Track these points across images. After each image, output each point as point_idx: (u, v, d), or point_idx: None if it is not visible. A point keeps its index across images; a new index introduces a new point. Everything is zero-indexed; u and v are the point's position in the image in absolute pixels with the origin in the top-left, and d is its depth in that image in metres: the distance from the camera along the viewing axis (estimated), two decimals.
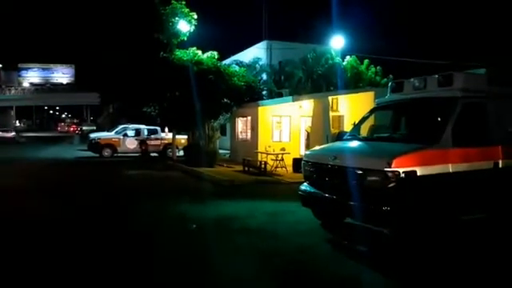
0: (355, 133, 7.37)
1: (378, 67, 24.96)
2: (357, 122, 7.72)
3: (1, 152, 24.83)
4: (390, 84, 7.69)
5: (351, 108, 15.92)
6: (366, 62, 24.95)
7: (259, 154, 15.99)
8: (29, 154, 24.54)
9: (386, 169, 5.29)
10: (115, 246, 6.17)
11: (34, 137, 48.70)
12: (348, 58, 25.02)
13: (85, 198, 10.35)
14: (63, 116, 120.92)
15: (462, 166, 5.67)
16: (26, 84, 73.17)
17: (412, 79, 6.89)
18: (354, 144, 6.84)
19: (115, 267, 5.22)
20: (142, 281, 4.77)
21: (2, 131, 42.13)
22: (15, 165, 18.33)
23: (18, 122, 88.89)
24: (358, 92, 16.52)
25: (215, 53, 18.94)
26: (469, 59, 18.74)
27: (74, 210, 8.74)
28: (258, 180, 13.25)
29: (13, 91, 70.02)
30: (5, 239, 6.44)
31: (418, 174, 5.33)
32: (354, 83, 23.28)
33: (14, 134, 42.75)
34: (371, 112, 7.68)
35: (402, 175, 5.25)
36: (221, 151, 21.01)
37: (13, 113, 78.57)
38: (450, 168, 5.59)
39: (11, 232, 6.86)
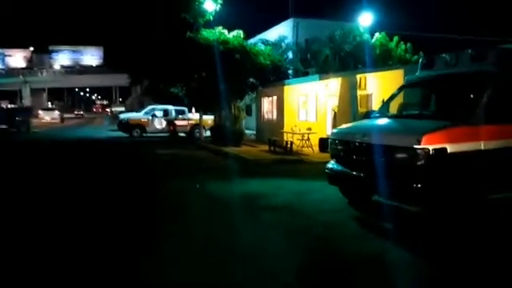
0: (384, 110, 7.25)
1: (407, 44, 24.20)
2: (386, 100, 7.58)
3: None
4: (420, 60, 7.48)
5: (380, 87, 15.57)
6: (395, 39, 24.20)
7: (285, 134, 15.98)
8: (72, 133, 27.26)
9: (415, 146, 5.21)
10: (151, 217, 6.41)
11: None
12: (377, 35, 24.33)
13: (122, 173, 11.03)
14: (93, 97, 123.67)
15: (494, 144, 5.51)
16: (56, 66, 75.12)
17: (443, 55, 6.69)
18: (383, 121, 6.75)
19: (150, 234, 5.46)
20: (171, 251, 4.95)
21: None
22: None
23: (49, 103, 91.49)
24: (386, 70, 16.10)
25: (241, 32, 18.86)
26: (502, 34, 17.97)
27: (118, 183, 9.57)
28: (283, 159, 13.30)
29: (44, 73, 72.10)
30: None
31: (449, 151, 5.22)
32: (383, 61, 22.64)
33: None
34: (400, 89, 7.52)
35: (432, 152, 5.16)
36: (247, 131, 21.10)
37: (45, 94, 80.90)
38: (482, 145, 5.45)
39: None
